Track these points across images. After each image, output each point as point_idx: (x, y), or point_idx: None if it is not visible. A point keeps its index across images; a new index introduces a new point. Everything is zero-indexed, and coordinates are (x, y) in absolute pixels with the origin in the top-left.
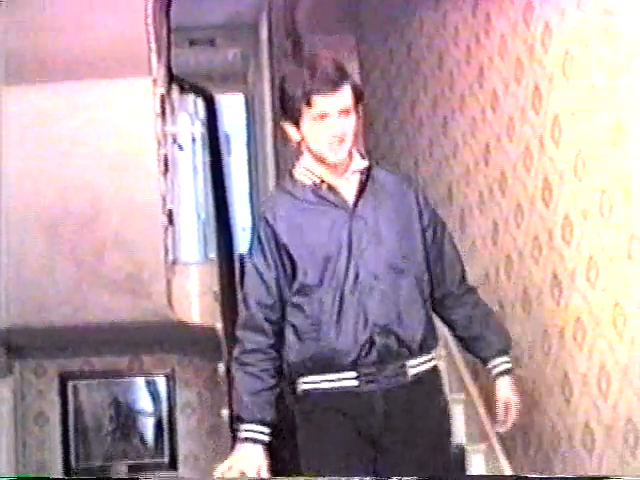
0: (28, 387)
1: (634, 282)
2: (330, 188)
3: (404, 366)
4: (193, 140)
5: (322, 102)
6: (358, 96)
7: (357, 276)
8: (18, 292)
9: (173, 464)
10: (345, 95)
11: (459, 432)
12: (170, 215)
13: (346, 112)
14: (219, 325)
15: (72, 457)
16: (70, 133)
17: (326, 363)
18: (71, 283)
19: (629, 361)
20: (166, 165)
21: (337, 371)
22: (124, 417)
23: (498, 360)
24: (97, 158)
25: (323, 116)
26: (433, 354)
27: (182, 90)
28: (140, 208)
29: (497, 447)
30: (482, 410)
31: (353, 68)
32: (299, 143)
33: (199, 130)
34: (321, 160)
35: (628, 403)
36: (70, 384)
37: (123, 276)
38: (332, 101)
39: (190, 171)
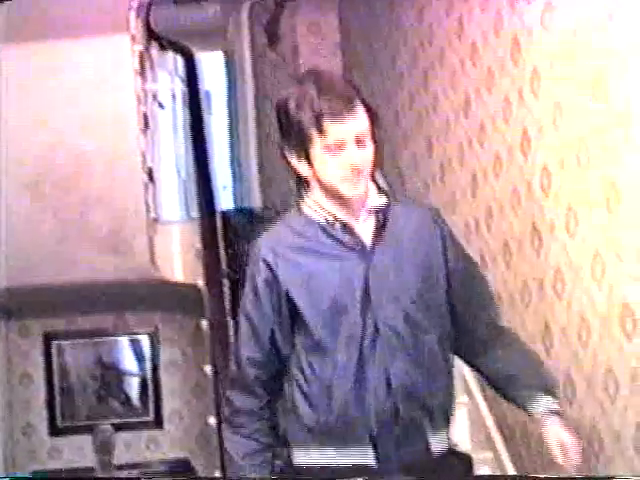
0: (13, 347)
1: (613, 231)
2: (344, 228)
3: (428, 440)
4: (173, 98)
5: (337, 128)
6: (372, 118)
7: (376, 332)
8: (1, 252)
9: (158, 422)
10: (360, 118)
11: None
12: (150, 173)
13: (363, 139)
14: (201, 282)
15: (57, 417)
16: (50, 92)
17: (338, 436)
18: (55, 242)
19: (608, 311)
20: (146, 123)
21: (351, 446)
22: (109, 376)
23: (540, 400)
24: (77, 116)
25: (339, 145)
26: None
27: (162, 48)
28: (121, 166)
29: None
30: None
31: (333, 25)
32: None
33: (179, 88)
34: (335, 195)
35: (608, 353)
36: (54, 344)
37: (106, 235)
38: (348, 127)
39: (170, 129)
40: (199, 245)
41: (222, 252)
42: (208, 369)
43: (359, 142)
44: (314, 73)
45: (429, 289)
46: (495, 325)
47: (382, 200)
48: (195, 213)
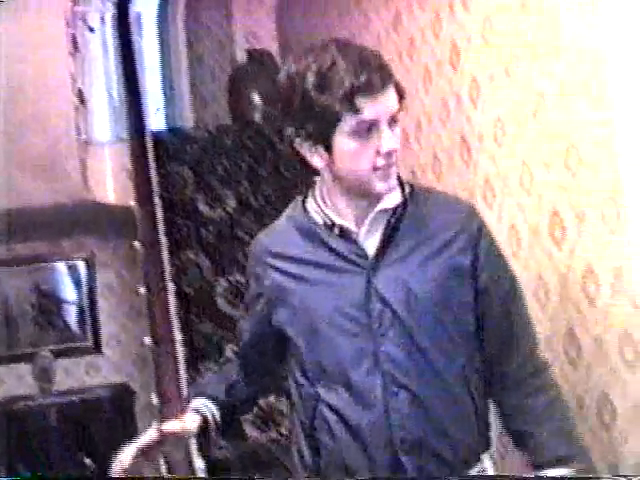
0: None
1: (540, 140)
2: (343, 234)
3: None
4: (102, 21)
5: (373, 107)
6: (402, 96)
7: (375, 365)
8: None
9: (97, 347)
10: (392, 94)
11: None
12: (81, 95)
13: (394, 121)
14: (133, 203)
15: None
16: None
17: None
18: None
19: (538, 219)
20: (76, 46)
21: None
22: (47, 303)
23: (556, 469)
24: (6, 37)
25: (372, 126)
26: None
27: None
28: (51, 89)
29: None
30: None
31: None
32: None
33: (109, 10)
34: (358, 191)
35: (538, 261)
36: None
37: (39, 159)
38: (383, 105)
39: (101, 52)
40: (130, 166)
41: (153, 173)
42: (142, 291)
43: (392, 124)
44: (338, 42)
45: (452, 306)
46: (530, 361)
47: (395, 198)
48: (125, 134)
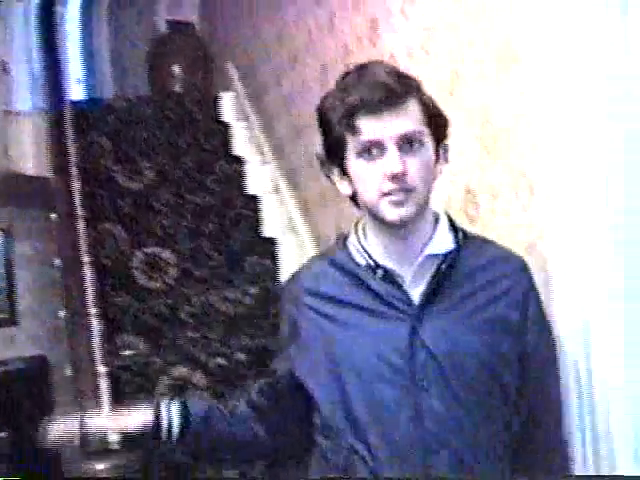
0: None
1: (456, 117)
2: (387, 277)
3: None
4: None
5: (371, 125)
6: (434, 119)
7: (417, 420)
8: None
9: (13, 319)
10: (410, 114)
11: None
12: (3, 64)
13: (410, 141)
14: (50, 174)
15: None
16: None
17: None
18: None
19: (452, 196)
20: None
21: None
22: None
23: None
24: None
25: (373, 146)
26: None
27: None
28: None
29: None
30: None
31: None
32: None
33: None
34: (377, 221)
35: None
36: None
37: None
38: (386, 123)
39: (22, 20)
40: (48, 137)
41: (71, 143)
42: (57, 262)
43: (403, 141)
44: (361, 65)
45: (492, 369)
46: (555, 432)
47: (447, 242)
48: (45, 104)
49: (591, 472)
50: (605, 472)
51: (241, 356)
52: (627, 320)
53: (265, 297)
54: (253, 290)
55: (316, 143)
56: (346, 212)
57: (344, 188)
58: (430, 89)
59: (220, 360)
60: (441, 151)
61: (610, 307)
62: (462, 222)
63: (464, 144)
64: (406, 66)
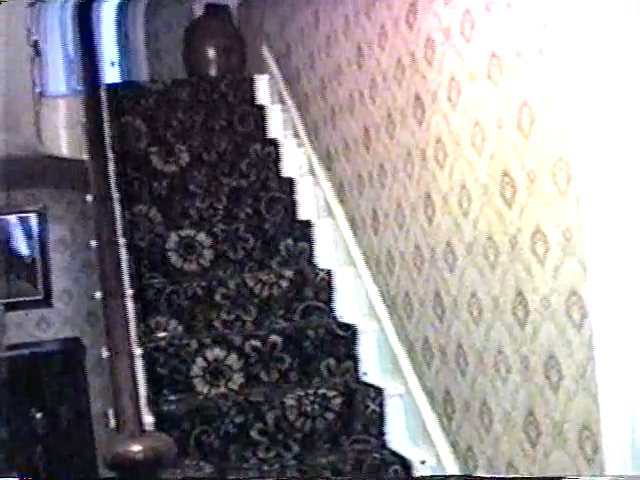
0: None
1: (492, 101)
2: None
3: None
4: None
5: None
6: None
7: None
8: None
9: (48, 301)
10: None
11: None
12: (36, 46)
13: None
14: (86, 157)
15: None
16: None
17: None
18: None
19: (489, 178)
20: None
21: None
22: None
23: None
24: None
25: None
26: None
27: None
28: (7, 41)
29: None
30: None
31: None
32: None
33: None
34: None
35: (488, 220)
36: None
37: None
38: None
39: (58, 3)
40: (84, 120)
41: (107, 126)
42: (93, 243)
43: None
44: None
45: None
46: None
47: None
48: (80, 87)
49: None
50: None
51: (276, 338)
52: None
53: (300, 280)
54: (288, 273)
55: (351, 125)
56: (382, 195)
57: None
58: (467, 72)
59: (254, 342)
60: None
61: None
62: (498, 205)
63: (501, 128)
64: (444, 50)
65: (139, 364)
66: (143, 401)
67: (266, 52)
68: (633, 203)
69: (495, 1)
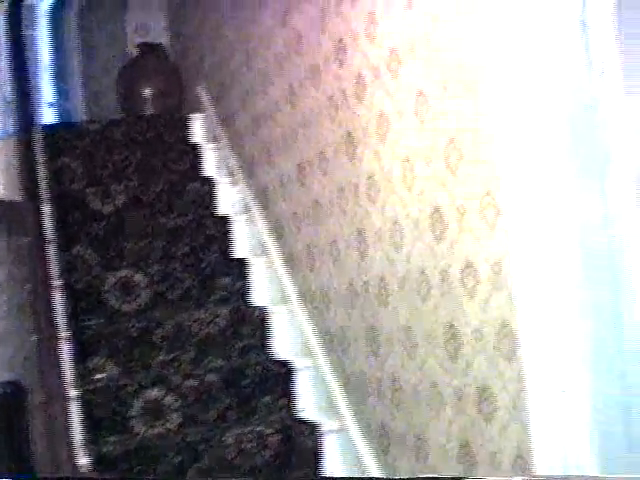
0: None
1: (422, 137)
2: None
3: None
4: None
5: None
6: None
7: None
8: None
9: None
10: None
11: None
12: None
13: None
14: (21, 199)
15: None
16: None
17: None
18: None
19: (420, 213)
20: None
21: None
22: None
23: None
24: None
25: None
26: None
27: None
28: None
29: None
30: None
31: None
32: None
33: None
34: None
35: (420, 256)
36: None
37: None
38: None
39: None
40: (18, 162)
41: (42, 168)
42: (28, 287)
43: None
44: None
45: None
46: None
47: None
48: (14, 129)
49: None
50: None
51: (213, 377)
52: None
53: (237, 318)
54: (225, 312)
55: (286, 163)
56: (317, 231)
57: None
58: (395, 109)
59: (192, 382)
60: None
61: (576, 324)
62: (429, 240)
63: (430, 163)
64: (373, 89)
65: (75, 406)
66: (79, 443)
67: (202, 91)
68: (559, 235)
69: (418, 40)
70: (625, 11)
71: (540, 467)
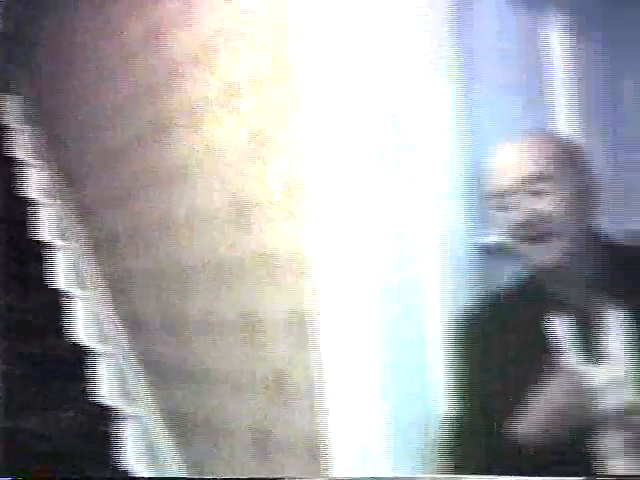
0: None
1: (230, 127)
2: None
3: None
4: None
5: None
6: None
7: None
8: None
9: None
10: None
11: None
12: None
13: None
14: None
15: None
16: None
17: None
18: None
19: (221, 203)
20: None
21: None
22: None
23: None
24: None
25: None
26: None
27: None
28: None
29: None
30: None
31: None
32: None
33: None
34: None
35: (221, 243)
36: None
37: None
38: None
39: None
40: None
41: None
42: None
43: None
44: None
45: None
46: None
47: None
48: None
49: None
50: None
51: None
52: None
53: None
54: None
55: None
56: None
57: None
58: (205, 97)
59: None
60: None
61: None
62: (231, 229)
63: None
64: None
65: None
66: None
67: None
68: (360, 224)
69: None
70: None
71: (336, 454)
